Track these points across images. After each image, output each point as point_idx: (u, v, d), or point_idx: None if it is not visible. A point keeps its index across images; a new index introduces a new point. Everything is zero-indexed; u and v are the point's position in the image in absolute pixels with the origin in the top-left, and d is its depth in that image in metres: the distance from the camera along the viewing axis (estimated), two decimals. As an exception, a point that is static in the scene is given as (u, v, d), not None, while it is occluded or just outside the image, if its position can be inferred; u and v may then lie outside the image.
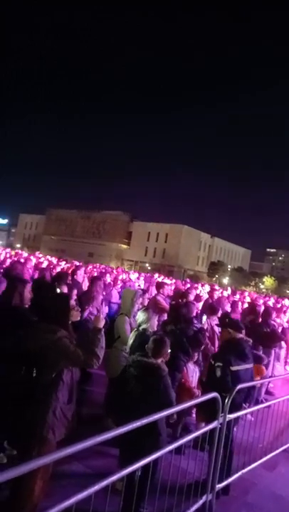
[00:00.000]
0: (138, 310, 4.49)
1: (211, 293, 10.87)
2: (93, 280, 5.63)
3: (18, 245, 71.83)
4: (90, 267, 16.78)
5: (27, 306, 3.39)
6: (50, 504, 1.88)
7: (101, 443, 2.58)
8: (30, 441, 2.67)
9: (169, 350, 3.46)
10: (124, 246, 73.42)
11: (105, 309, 6.46)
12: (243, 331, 4.06)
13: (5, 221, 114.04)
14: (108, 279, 10.13)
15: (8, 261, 11.59)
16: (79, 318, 3.26)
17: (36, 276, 11.25)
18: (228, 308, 7.49)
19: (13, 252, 20.02)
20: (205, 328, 5.49)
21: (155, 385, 3.19)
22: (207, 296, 9.78)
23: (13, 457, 3.47)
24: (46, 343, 2.71)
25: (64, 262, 16.31)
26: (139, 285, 11.42)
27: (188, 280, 21.33)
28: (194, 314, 5.61)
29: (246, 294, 16.14)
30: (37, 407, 2.71)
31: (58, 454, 2.00)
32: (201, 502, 3.11)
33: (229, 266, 68.02)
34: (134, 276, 14.04)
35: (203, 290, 12.70)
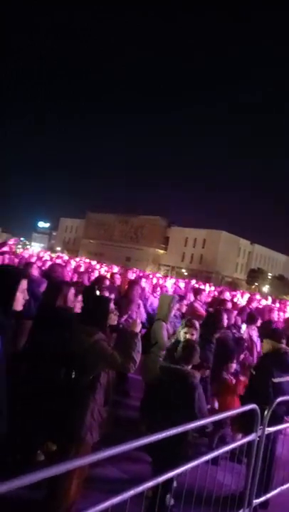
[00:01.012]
0: (174, 315, 4.46)
1: (249, 301, 10.62)
2: (131, 284, 5.67)
3: (59, 248, 73.85)
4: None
5: (70, 308, 3.47)
6: (84, 506, 1.89)
7: (135, 448, 2.59)
8: (68, 441, 2.73)
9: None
10: (161, 251, 73.45)
11: (143, 314, 6.48)
12: (284, 341, 3.93)
13: (47, 225, 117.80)
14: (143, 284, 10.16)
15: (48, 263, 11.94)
16: (116, 322, 3.30)
17: (75, 279, 11.53)
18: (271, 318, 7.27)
19: (53, 255, 20.62)
20: (244, 337, 5.36)
21: (186, 393, 3.16)
22: (244, 304, 9.56)
23: (51, 454, 3.56)
24: (85, 346, 2.76)
25: (98, 265, 16.58)
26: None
27: (223, 287, 20.95)
28: (232, 322, 5.49)
29: (288, 303, 15.59)
30: (75, 408, 2.76)
31: (95, 456, 2.02)
32: (237, 516, 3.03)
33: (270, 274, 66.04)
34: (170, 282, 13.98)
35: (240, 298, 12.42)
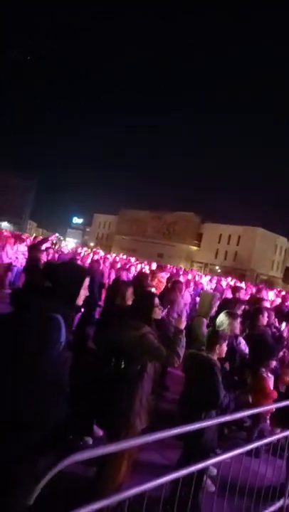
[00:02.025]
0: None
1: (283, 300, 10.49)
2: (174, 284, 5.81)
3: (92, 244, 75.15)
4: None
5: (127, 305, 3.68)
6: (127, 486, 2.05)
7: (174, 437, 2.75)
8: (119, 426, 2.94)
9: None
10: (195, 247, 72.99)
11: (185, 312, 6.64)
12: None
13: (80, 220, 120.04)
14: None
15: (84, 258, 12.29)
16: (160, 316, 3.47)
17: (112, 275, 11.84)
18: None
19: (89, 250, 21.17)
20: (285, 335, 5.39)
21: (204, 379, 3.25)
22: (279, 302, 9.47)
23: (98, 439, 3.81)
24: (132, 338, 2.95)
25: (136, 262, 16.85)
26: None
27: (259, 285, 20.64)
28: (272, 321, 5.53)
29: None
30: (125, 395, 2.97)
31: (143, 438, 2.20)
32: (277, 505, 3.14)
33: (306, 272, 64.05)
34: (205, 279, 14.02)
35: (273, 296, 12.26)
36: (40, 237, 13.61)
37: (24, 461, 1.94)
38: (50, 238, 10.24)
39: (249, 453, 3.04)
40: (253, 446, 3.04)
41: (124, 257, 19.65)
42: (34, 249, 9.01)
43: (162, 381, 5.34)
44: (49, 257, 7.02)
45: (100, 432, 3.90)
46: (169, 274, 7.41)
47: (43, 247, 8.20)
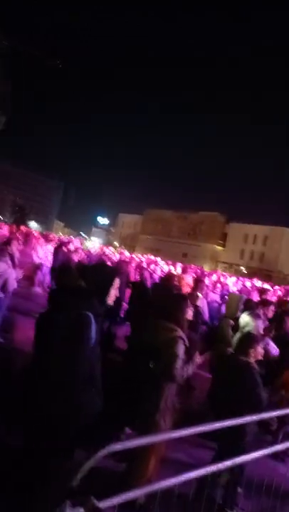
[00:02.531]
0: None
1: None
2: (197, 282, 5.88)
3: (116, 243, 75.72)
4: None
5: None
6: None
7: (204, 437, 2.79)
8: (146, 424, 3.04)
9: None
10: (220, 248, 72.27)
11: (206, 312, 6.67)
12: None
13: (105, 220, 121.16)
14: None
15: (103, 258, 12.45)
16: (191, 317, 3.53)
17: (137, 275, 11.96)
18: None
19: (113, 249, 21.45)
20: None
21: (243, 383, 3.28)
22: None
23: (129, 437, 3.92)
24: (165, 340, 3.02)
25: (162, 262, 16.92)
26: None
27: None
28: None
29: None
30: (152, 395, 3.05)
31: (168, 434, 2.27)
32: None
33: None
34: (231, 280, 13.93)
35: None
36: (64, 237, 13.91)
37: (61, 454, 2.07)
38: (72, 240, 10.47)
39: (274, 455, 3.06)
40: (281, 447, 3.07)
41: (152, 257, 19.74)
42: (61, 249, 9.29)
43: (189, 382, 5.40)
44: (80, 257, 7.22)
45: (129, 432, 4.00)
46: (192, 276, 7.41)
47: (71, 247, 8.43)
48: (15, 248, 6.08)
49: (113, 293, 2.48)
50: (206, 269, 26.87)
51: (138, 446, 2.65)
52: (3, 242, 6.51)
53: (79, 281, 2.72)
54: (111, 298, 2.48)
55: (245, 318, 4.18)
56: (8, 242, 6.19)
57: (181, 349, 3.01)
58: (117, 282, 2.48)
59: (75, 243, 17.34)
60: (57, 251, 9.64)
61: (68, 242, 11.08)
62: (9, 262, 5.74)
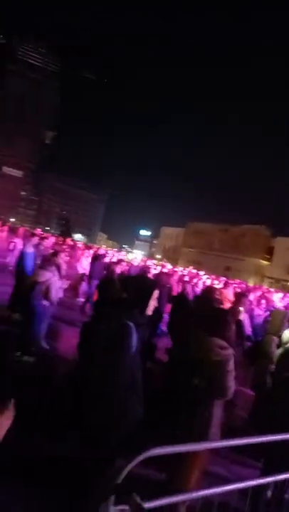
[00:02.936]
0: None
1: None
2: (238, 296, 5.80)
3: (158, 256, 75.99)
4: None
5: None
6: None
7: (246, 455, 2.72)
8: (189, 438, 3.03)
9: None
10: (265, 262, 70.22)
11: (248, 327, 6.55)
12: None
13: (148, 233, 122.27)
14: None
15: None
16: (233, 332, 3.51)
17: (180, 288, 11.96)
18: None
19: (156, 262, 21.61)
20: None
21: (288, 398, 3.19)
22: None
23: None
24: (215, 358, 3.00)
25: (206, 276, 16.80)
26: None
27: None
28: None
29: None
30: (200, 410, 3.04)
31: (209, 444, 2.26)
32: None
33: None
34: (277, 295, 13.51)
35: None
36: (101, 248, 14.29)
37: (102, 463, 2.12)
38: (106, 252, 10.70)
39: None
40: None
41: (194, 270, 19.65)
42: (98, 259, 9.58)
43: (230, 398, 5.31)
44: (123, 269, 7.42)
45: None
46: (234, 290, 7.31)
47: (114, 259, 8.63)
48: (62, 259, 6.36)
49: (152, 304, 2.55)
50: (251, 283, 26.19)
51: (180, 457, 2.69)
52: (51, 254, 6.82)
53: (121, 292, 2.82)
54: (150, 308, 2.55)
55: (287, 334, 4.08)
56: (55, 253, 6.49)
57: (232, 365, 3.00)
58: (156, 293, 2.55)
59: (116, 255, 17.73)
60: (93, 262, 9.95)
61: (104, 255, 11.36)
62: (55, 272, 6.01)
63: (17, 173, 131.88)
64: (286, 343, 4.05)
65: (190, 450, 2.06)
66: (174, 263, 47.56)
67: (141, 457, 1.42)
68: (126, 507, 1.27)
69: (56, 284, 6.03)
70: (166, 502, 1.40)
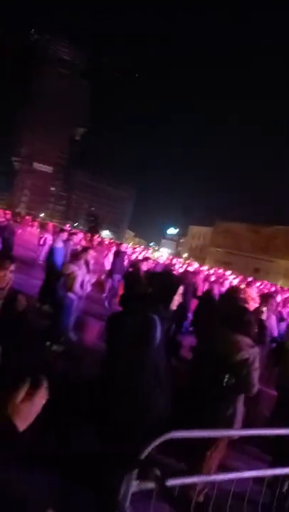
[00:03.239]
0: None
1: None
2: (265, 297, 5.79)
3: (185, 255, 75.64)
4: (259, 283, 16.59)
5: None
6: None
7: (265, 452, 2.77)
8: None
9: None
10: (296, 264, 68.46)
11: (275, 328, 6.51)
12: None
13: (175, 231, 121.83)
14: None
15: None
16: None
17: (206, 287, 11.97)
18: None
19: (182, 261, 21.62)
20: None
21: None
22: None
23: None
24: (241, 357, 3.06)
25: (229, 273, 16.69)
26: None
27: None
28: None
29: None
30: (224, 406, 3.11)
31: (228, 432, 2.32)
32: None
33: None
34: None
35: None
36: (123, 245, 14.60)
37: (128, 458, 2.20)
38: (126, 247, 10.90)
39: None
40: None
41: (220, 271, 19.51)
42: (119, 255, 9.83)
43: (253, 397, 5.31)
44: (149, 267, 7.57)
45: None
46: (257, 290, 7.27)
47: (140, 256, 8.76)
48: (90, 256, 6.54)
49: (176, 299, 2.64)
50: (281, 286, 25.64)
51: (199, 446, 2.77)
52: (80, 249, 7.03)
53: (147, 288, 2.91)
54: (174, 304, 2.64)
55: None
56: (85, 249, 6.70)
57: (258, 363, 3.06)
58: (181, 289, 2.64)
59: (143, 253, 17.84)
60: (115, 257, 10.20)
61: (125, 252, 11.65)
62: (82, 267, 6.19)
63: (47, 168, 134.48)
64: None
65: (207, 436, 2.14)
66: (201, 262, 47.25)
67: (162, 438, 1.52)
68: (148, 483, 1.37)
69: (81, 278, 6.19)
70: (187, 481, 1.49)
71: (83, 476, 2.43)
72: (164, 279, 2.70)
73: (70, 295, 5.93)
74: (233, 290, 6.09)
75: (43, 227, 21.85)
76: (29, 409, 1.08)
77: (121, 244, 14.92)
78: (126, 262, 11.27)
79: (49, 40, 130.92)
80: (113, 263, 10.22)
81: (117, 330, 2.56)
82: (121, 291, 11.34)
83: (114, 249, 12.60)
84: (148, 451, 1.45)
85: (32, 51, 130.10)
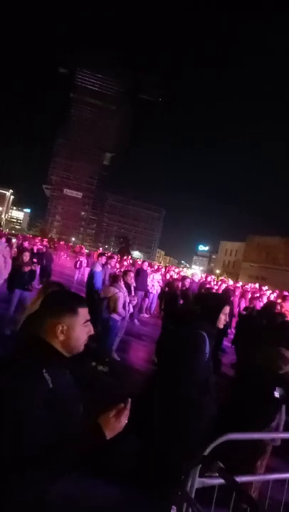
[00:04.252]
0: None
1: None
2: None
3: (218, 271, 74.83)
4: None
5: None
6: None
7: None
8: (256, 447, 3.22)
9: None
10: None
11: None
12: None
13: (206, 248, 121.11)
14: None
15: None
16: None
17: (243, 304, 11.95)
18: None
19: (215, 278, 21.54)
20: None
21: None
22: None
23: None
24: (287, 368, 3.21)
25: (266, 288, 16.48)
26: None
27: None
28: None
29: None
30: (264, 419, 3.23)
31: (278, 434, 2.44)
32: None
33: None
34: None
35: None
36: (145, 262, 15.09)
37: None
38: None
39: None
40: None
41: (257, 285, 19.31)
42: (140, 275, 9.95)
43: None
44: (182, 285, 7.81)
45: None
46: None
47: (174, 275, 8.95)
48: (130, 278, 6.86)
49: (222, 317, 2.84)
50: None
51: (247, 455, 2.90)
52: (121, 273, 7.37)
53: (195, 307, 3.13)
54: (221, 322, 2.84)
55: None
56: (125, 272, 7.04)
57: None
58: (227, 309, 2.85)
59: (176, 271, 18.06)
60: (136, 276, 10.51)
61: (145, 270, 12.13)
62: (122, 289, 6.49)
63: (77, 194, 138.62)
64: None
65: (261, 438, 2.30)
66: (235, 278, 46.60)
67: (220, 440, 1.72)
68: (213, 480, 1.57)
69: (122, 300, 6.49)
70: (255, 479, 1.68)
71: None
72: (212, 299, 2.93)
73: (114, 316, 6.22)
74: (270, 304, 6.17)
75: (75, 251, 22.52)
76: (115, 423, 1.47)
77: (143, 262, 15.42)
78: (151, 280, 11.73)
79: (78, 72, 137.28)
80: (136, 281, 10.51)
81: (169, 346, 2.79)
82: (156, 309, 11.61)
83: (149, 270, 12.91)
84: (210, 449, 1.65)
85: (62, 84, 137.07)
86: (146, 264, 13.56)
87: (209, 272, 67.02)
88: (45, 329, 1.56)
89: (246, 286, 17.34)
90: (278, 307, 6.24)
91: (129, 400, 1.54)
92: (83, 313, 1.63)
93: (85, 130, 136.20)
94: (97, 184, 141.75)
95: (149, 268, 13.02)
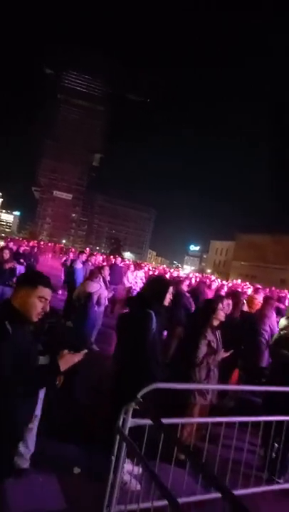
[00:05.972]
0: None
1: None
2: (267, 300, 6.18)
3: (209, 270, 75.51)
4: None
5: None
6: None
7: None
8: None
9: None
10: None
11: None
12: None
13: (197, 248, 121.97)
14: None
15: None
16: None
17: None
18: None
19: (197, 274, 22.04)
20: None
21: None
22: None
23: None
24: None
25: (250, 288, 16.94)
26: None
27: None
28: None
29: None
30: None
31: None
32: None
33: None
34: None
35: None
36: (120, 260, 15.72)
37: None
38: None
39: None
40: None
41: (248, 283, 19.79)
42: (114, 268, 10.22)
43: None
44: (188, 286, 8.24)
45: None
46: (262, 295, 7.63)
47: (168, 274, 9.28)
48: (106, 273, 7.20)
49: (168, 297, 3.21)
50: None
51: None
52: (97, 268, 7.71)
53: (145, 291, 3.53)
54: (166, 300, 3.21)
55: (283, 322, 4.31)
56: (100, 268, 7.38)
57: None
58: (171, 289, 3.23)
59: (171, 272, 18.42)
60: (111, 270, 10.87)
61: (118, 265, 12.53)
62: (102, 283, 6.82)
63: (67, 196, 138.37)
64: (281, 330, 4.30)
65: (190, 388, 2.69)
66: (226, 277, 47.16)
67: (150, 387, 2.06)
68: (143, 420, 1.90)
69: (104, 294, 6.83)
70: (177, 421, 2.03)
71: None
72: (156, 283, 3.35)
73: (92, 309, 6.55)
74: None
75: (66, 252, 22.87)
76: (68, 358, 1.94)
77: (116, 258, 16.29)
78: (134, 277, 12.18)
79: (65, 73, 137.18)
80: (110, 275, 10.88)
81: (124, 324, 3.17)
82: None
83: (132, 268, 13.26)
84: (142, 393, 2.01)
85: (49, 85, 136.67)
86: (119, 259, 14.11)
87: (201, 271, 67.60)
88: (13, 295, 1.99)
89: (234, 283, 17.76)
90: (242, 299, 6.62)
91: (85, 350, 2.08)
92: (41, 289, 1.99)
93: (72, 131, 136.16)
94: (86, 185, 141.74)
95: (132, 266, 13.42)
